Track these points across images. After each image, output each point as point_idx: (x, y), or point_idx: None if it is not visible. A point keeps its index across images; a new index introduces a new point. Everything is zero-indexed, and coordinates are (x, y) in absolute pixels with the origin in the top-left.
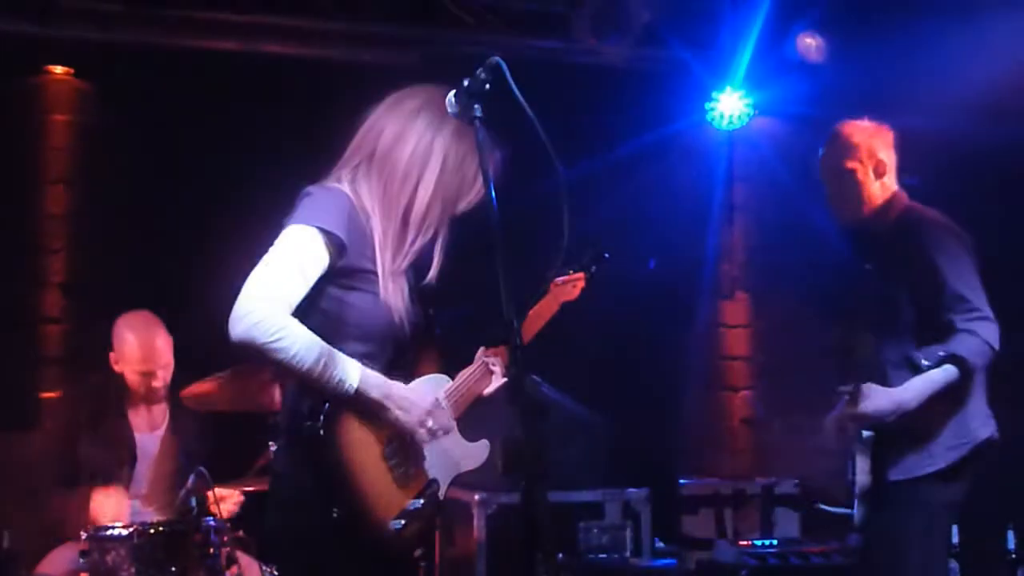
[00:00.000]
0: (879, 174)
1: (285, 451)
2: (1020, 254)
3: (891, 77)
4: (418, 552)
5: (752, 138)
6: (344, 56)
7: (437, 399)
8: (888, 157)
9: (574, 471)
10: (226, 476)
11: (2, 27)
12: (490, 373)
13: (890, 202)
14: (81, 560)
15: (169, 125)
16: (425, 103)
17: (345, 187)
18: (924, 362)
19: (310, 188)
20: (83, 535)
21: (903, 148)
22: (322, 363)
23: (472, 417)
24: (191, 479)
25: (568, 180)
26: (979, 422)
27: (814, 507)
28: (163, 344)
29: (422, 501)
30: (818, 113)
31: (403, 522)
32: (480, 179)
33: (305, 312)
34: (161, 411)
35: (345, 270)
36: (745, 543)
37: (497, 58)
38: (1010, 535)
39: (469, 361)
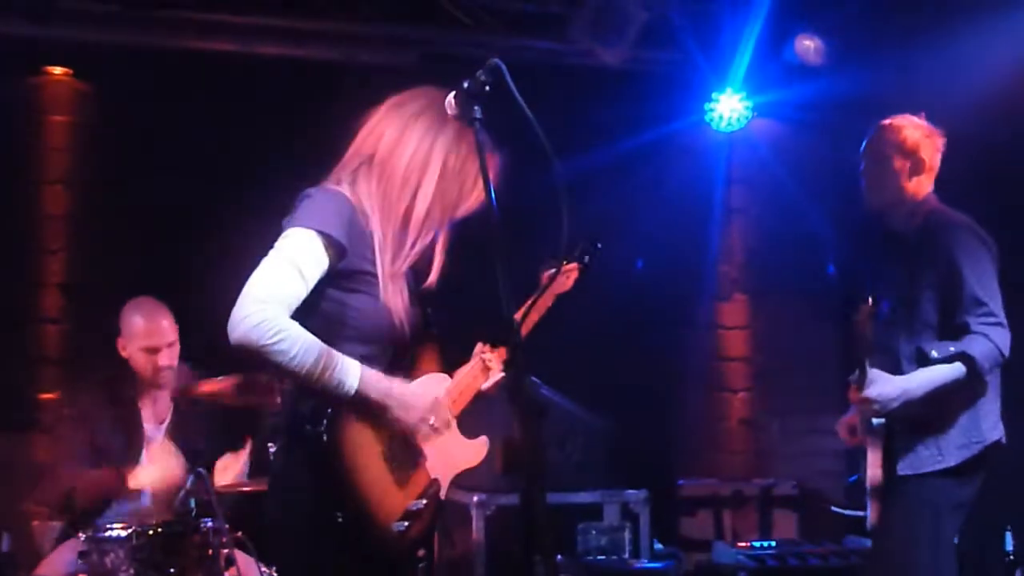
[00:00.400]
0: (916, 172)
1: (285, 452)
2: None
3: (891, 79)
4: (422, 552)
5: (751, 140)
6: (342, 57)
7: (437, 397)
8: (930, 158)
9: (573, 472)
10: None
11: (0, 28)
12: (487, 369)
13: (921, 203)
14: (79, 561)
15: (167, 126)
16: (425, 106)
17: (345, 189)
18: (934, 354)
19: (309, 190)
20: (81, 536)
21: None
22: (321, 365)
23: (470, 417)
24: (190, 479)
25: (567, 181)
26: (990, 423)
27: (827, 510)
28: (168, 324)
29: (424, 501)
30: (817, 115)
31: (406, 523)
32: (480, 185)
33: (305, 314)
34: (165, 405)
35: (345, 272)
36: (743, 544)
37: (497, 60)
38: (1008, 537)
39: (468, 360)
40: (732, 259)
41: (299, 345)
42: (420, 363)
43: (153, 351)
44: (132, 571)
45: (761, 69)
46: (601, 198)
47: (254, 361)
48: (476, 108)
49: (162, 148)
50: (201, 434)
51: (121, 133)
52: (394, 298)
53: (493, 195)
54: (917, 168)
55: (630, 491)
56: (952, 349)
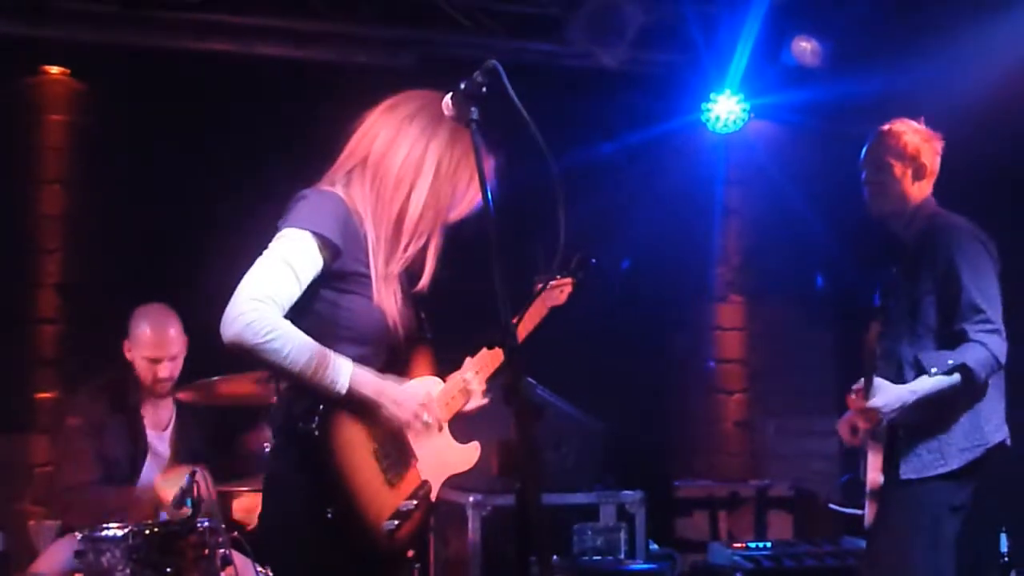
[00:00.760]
0: (917, 177)
1: (279, 452)
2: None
3: (888, 82)
4: (411, 553)
5: (747, 141)
6: (339, 58)
7: (429, 393)
8: (931, 163)
9: (569, 473)
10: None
11: None
12: (468, 393)
13: (921, 207)
14: (76, 560)
15: (165, 126)
16: (420, 109)
17: (339, 190)
18: (933, 370)
19: (304, 191)
20: (78, 535)
21: None
22: (314, 363)
23: (467, 418)
24: (186, 479)
25: (564, 182)
26: (993, 425)
27: (826, 507)
28: (175, 335)
29: (415, 502)
30: (814, 117)
31: (396, 523)
32: (473, 189)
33: (298, 314)
34: (167, 412)
35: (339, 273)
36: (739, 545)
37: (494, 61)
38: (1003, 538)
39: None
40: (728, 261)
41: (291, 344)
42: (414, 366)
43: (155, 361)
44: (128, 570)
45: (758, 71)
46: (598, 199)
47: (247, 360)
48: (473, 109)
49: (159, 148)
50: (202, 439)
51: (118, 133)
52: (387, 300)
53: (489, 197)
54: (919, 173)
55: (626, 492)
56: (950, 362)
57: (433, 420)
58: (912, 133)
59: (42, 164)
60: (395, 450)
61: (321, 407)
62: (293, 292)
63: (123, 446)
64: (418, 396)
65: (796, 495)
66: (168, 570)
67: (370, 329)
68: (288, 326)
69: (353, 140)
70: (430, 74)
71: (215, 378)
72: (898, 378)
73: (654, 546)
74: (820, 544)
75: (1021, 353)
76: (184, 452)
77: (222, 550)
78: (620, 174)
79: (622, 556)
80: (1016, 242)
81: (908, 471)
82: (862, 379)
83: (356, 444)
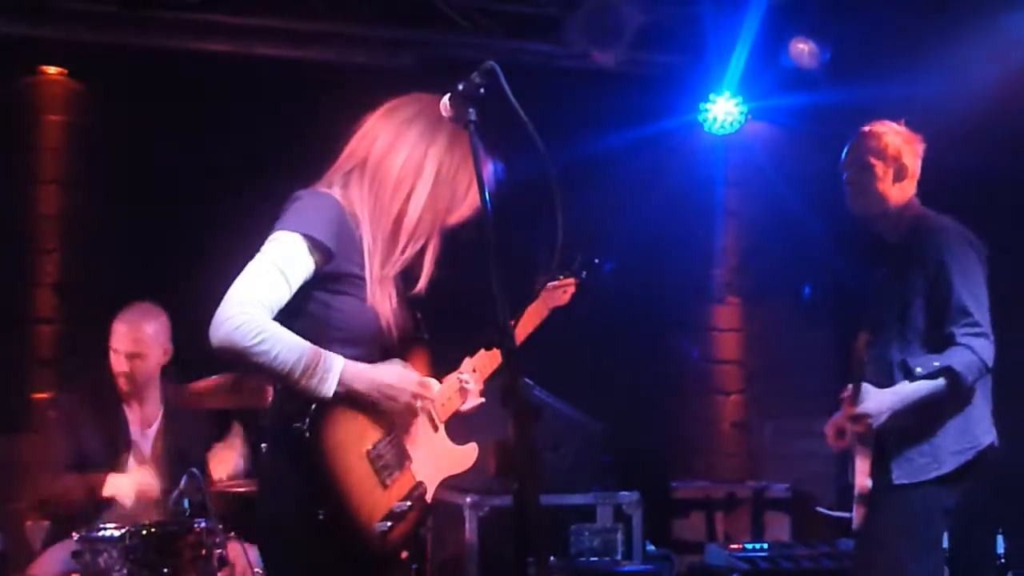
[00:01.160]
0: (899, 178)
1: (272, 452)
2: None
3: (887, 84)
4: (405, 554)
5: (745, 143)
6: (338, 58)
7: (422, 377)
8: (912, 164)
9: (566, 474)
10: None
11: None
12: (465, 392)
13: (905, 208)
14: (73, 561)
15: (163, 126)
16: (419, 112)
17: (336, 192)
18: (918, 370)
19: (300, 192)
20: (75, 536)
21: None
22: (304, 364)
23: (465, 418)
24: (183, 480)
25: (562, 182)
26: (982, 428)
27: (813, 510)
28: (150, 335)
29: (409, 503)
30: (812, 119)
31: (389, 524)
32: (471, 193)
33: (291, 315)
34: (154, 410)
35: (332, 274)
36: (736, 546)
37: (492, 62)
38: (999, 540)
39: (459, 365)
40: (726, 262)
41: (280, 346)
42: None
43: (117, 353)
44: (125, 571)
45: (756, 73)
46: (596, 200)
47: (237, 363)
48: (471, 111)
49: (157, 148)
50: (191, 439)
51: (116, 133)
52: (382, 302)
53: (488, 199)
54: (900, 174)
55: (623, 493)
56: (936, 364)
57: (429, 400)
58: (893, 134)
59: (40, 164)
60: (390, 451)
61: (312, 407)
62: (282, 295)
63: (99, 440)
64: (411, 383)
65: (793, 496)
66: (165, 570)
67: (363, 330)
68: (277, 328)
69: (352, 142)
70: (428, 74)
71: (196, 382)
72: (889, 383)
73: (651, 547)
74: (817, 546)
75: (1020, 356)
76: (170, 451)
77: (219, 551)
78: (618, 175)
79: (619, 557)
80: (1016, 243)
81: (901, 476)
82: (850, 385)
83: (349, 445)
